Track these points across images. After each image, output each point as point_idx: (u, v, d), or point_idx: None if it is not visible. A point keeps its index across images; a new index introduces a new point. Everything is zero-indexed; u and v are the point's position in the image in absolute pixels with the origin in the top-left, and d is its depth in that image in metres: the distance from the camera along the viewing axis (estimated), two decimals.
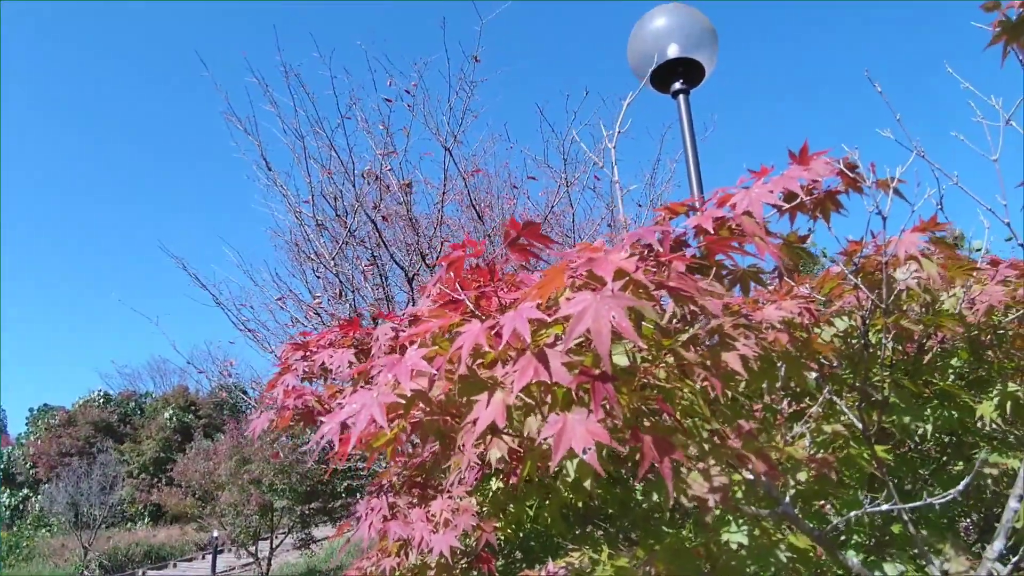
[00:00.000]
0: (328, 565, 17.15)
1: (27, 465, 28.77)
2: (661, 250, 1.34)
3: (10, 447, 32.16)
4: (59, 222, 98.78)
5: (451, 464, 2.14)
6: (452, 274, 1.67)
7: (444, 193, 7.74)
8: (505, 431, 1.59)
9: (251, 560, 18.79)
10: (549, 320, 1.29)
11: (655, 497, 2.25)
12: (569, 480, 1.34)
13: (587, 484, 1.36)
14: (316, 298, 9.32)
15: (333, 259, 8.86)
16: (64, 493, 19.66)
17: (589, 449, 1.18)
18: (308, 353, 2.75)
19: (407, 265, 8.03)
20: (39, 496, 27.10)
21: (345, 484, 14.62)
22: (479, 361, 1.49)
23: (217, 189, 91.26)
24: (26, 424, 31.58)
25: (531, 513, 2.48)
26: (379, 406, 1.40)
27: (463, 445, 1.40)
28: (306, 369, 2.76)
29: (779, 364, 1.64)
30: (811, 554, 1.71)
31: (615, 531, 2.43)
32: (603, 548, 2.05)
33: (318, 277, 10.02)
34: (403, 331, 1.86)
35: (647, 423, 1.38)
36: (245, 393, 10.77)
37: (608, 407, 1.26)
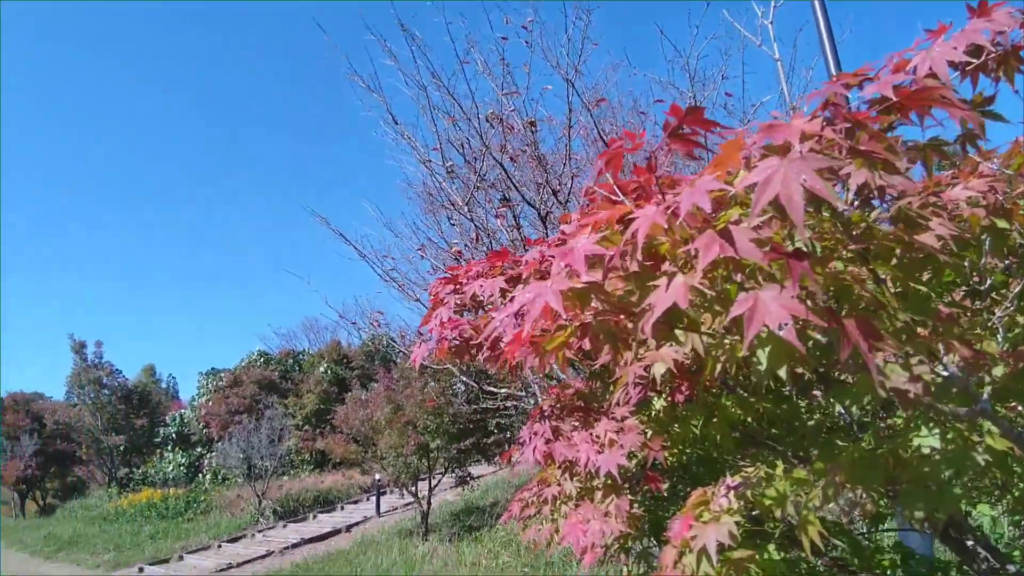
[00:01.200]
0: (484, 501, 17.77)
1: (200, 426, 31.16)
2: (846, 113, 1.24)
3: (183, 411, 34.92)
4: (219, 201, 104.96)
5: (616, 380, 2.12)
6: (609, 175, 1.63)
7: (569, 127, 7.64)
8: (676, 334, 1.54)
9: (412, 500, 19.77)
10: (730, 192, 1.24)
11: (838, 408, 2.17)
12: (762, 367, 1.26)
13: (781, 373, 1.27)
14: (453, 246, 9.52)
15: (466, 204, 8.97)
16: (236, 448, 21.19)
17: (785, 325, 1.13)
18: (459, 286, 2.79)
19: (538, 204, 8.02)
20: (213, 453, 29.35)
21: (495, 422, 15.02)
22: (650, 263, 1.45)
23: (351, 150, 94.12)
24: (197, 388, 34.26)
25: (696, 432, 2.44)
26: (554, 293, 1.38)
27: (642, 329, 1.34)
28: (458, 301, 2.80)
29: (975, 243, 1.53)
30: (1009, 457, 1.60)
31: (783, 450, 2.37)
32: (777, 463, 2.00)
33: (453, 224, 10.18)
34: (552, 256, 1.79)
35: (844, 307, 1.32)
36: (393, 341, 11.18)
37: (805, 286, 1.19)
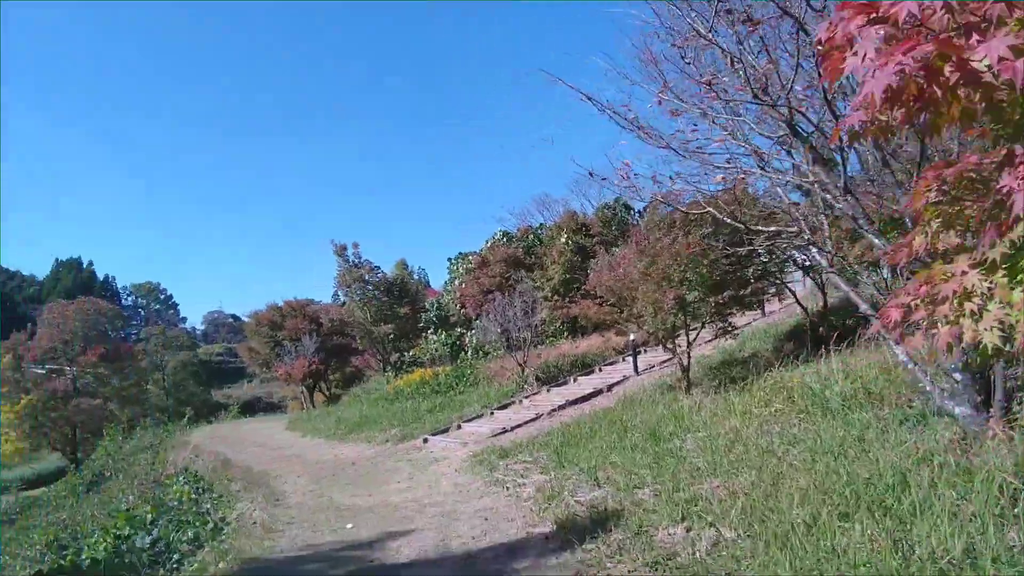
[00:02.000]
0: (741, 353, 17.21)
1: (457, 307, 32.93)
2: None
3: (439, 297, 37.04)
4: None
5: None
6: None
7: None
8: None
9: (669, 357, 19.64)
10: None
11: None
12: None
13: None
14: (705, 76, 8.78)
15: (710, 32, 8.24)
16: (494, 322, 22.07)
17: None
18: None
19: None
20: (472, 331, 30.95)
21: (752, 270, 14.24)
22: None
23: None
24: (448, 273, 36.16)
25: None
26: None
27: None
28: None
29: None
30: None
31: None
32: None
33: (687, 63, 9.44)
34: None
35: None
36: (638, 193, 10.68)
37: None
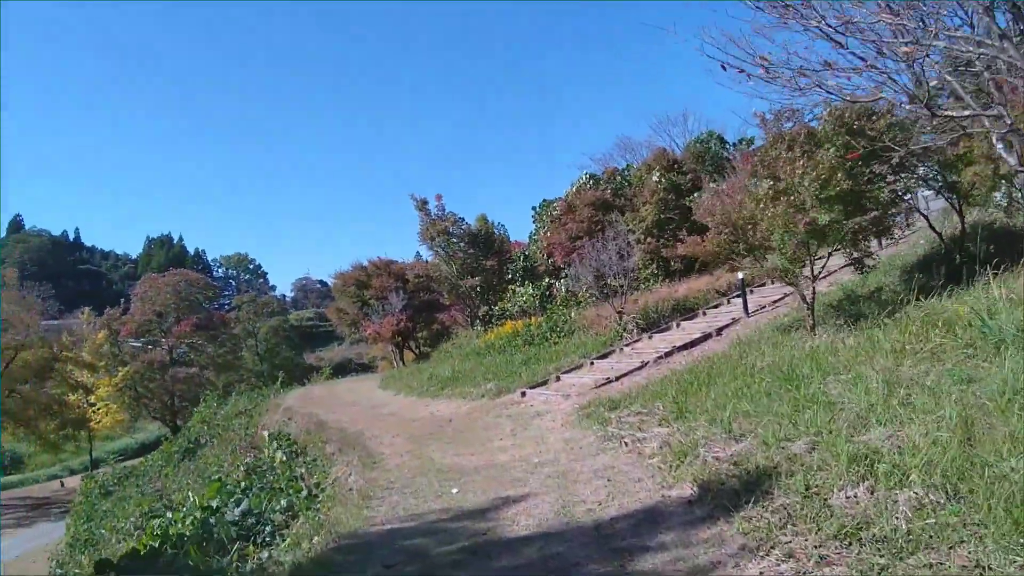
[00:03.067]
0: (865, 288, 15.53)
1: (544, 256, 31.70)
2: None
3: (523, 249, 35.87)
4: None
5: None
6: None
7: None
8: None
9: (780, 296, 18.08)
10: None
11: None
12: None
13: None
14: None
15: None
16: (587, 268, 20.81)
17: None
18: None
19: None
20: (561, 280, 29.75)
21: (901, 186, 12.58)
22: None
23: None
24: (532, 222, 34.83)
25: None
26: None
27: None
28: None
29: None
30: None
31: None
32: None
33: None
34: None
35: None
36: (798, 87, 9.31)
37: None
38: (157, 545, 8.41)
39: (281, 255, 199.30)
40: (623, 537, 5.85)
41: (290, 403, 25.35)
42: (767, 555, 4.91)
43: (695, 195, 25.85)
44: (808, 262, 12.68)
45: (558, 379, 16.44)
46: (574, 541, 5.93)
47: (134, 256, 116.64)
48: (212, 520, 8.85)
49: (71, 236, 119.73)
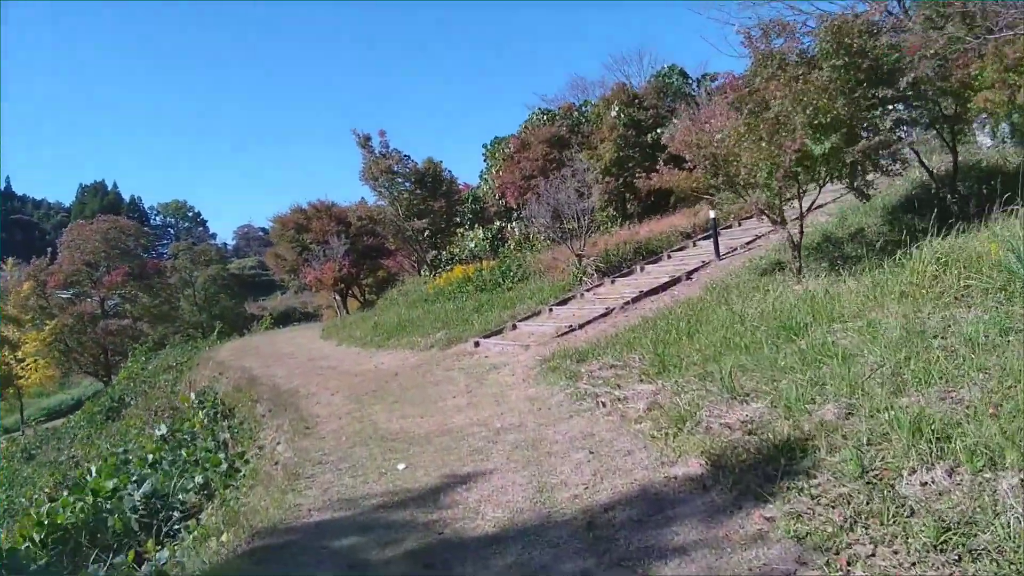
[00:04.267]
0: (845, 229, 14.38)
1: (496, 197, 29.91)
2: None
3: (473, 191, 34.06)
4: None
5: None
6: None
7: None
8: None
9: (752, 238, 16.83)
10: None
11: None
12: None
13: None
14: None
15: None
16: (544, 207, 19.27)
17: None
18: None
19: None
20: (514, 223, 28.15)
21: (893, 118, 11.26)
22: None
23: None
24: (484, 160, 32.81)
25: None
26: None
27: None
28: None
29: None
30: None
31: None
32: None
33: None
34: None
35: None
36: None
37: None
38: (40, 539, 6.81)
39: (223, 204, 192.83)
40: (627, 537, 4.44)
41: (224, 356, 23.47)
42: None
43: (658, 131, 24.42)
44: (797, 196, 11.37)
45: (514, 327, 15.03)
46: (562, 545, 4.49)
47: (67, 205, 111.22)
48: (110, 505, 7.25)
49: (1, 185, 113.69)
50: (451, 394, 10.26)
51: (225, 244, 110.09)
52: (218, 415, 11.92)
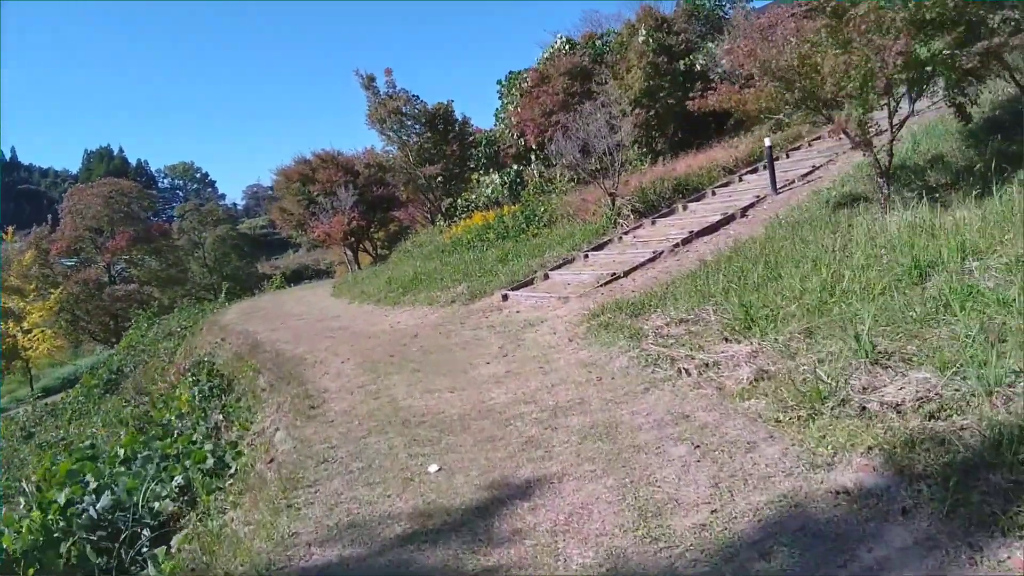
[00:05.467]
0: (916, 157, 12.43)
1: (514, 136, 27.77)
2: None
3: (488, 133, 31.86)
4: None
5: None
6: None
7: None
8: None
9: (809, 170, 14.89)
10: None
11: None
12: None
13: None
14: None
15: None
16: (571, 143, 17.36)
17: None
18: None
19: None
20: (532, 165, 26.12)
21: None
22: None
23: None
24: (499, 97, 30.50)
25: None
26: None
27: None
28: None
29: None
30: None
31: None
32: None
33: None
34: None
35: None
36: None
37: None
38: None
39: (232, 164, 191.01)
40: None
41: (229, 318, 21.82)
42: None
43: (691, 57, 22.29)
44: (889, 112, 9.49)
45: (547, 277, 13.35)
46: None
47: (75, 172, 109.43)
48: (63, 522, 5.63)
49: (7, 156, 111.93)
50: (483, 359, 8.61)
51: (235, 204, 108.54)
52: (214, 390, 10.30)
